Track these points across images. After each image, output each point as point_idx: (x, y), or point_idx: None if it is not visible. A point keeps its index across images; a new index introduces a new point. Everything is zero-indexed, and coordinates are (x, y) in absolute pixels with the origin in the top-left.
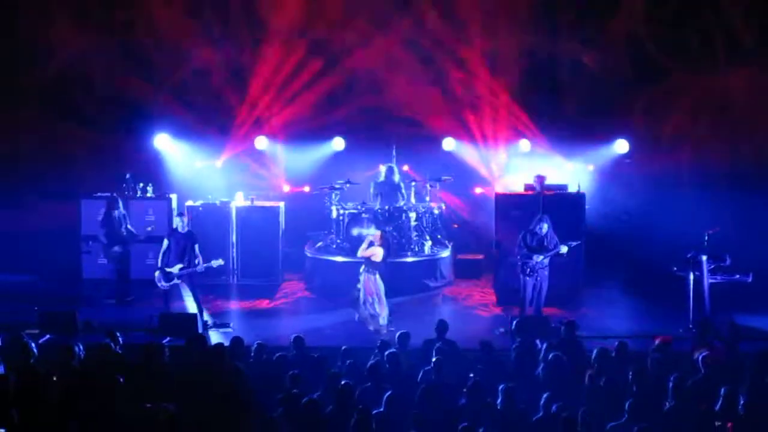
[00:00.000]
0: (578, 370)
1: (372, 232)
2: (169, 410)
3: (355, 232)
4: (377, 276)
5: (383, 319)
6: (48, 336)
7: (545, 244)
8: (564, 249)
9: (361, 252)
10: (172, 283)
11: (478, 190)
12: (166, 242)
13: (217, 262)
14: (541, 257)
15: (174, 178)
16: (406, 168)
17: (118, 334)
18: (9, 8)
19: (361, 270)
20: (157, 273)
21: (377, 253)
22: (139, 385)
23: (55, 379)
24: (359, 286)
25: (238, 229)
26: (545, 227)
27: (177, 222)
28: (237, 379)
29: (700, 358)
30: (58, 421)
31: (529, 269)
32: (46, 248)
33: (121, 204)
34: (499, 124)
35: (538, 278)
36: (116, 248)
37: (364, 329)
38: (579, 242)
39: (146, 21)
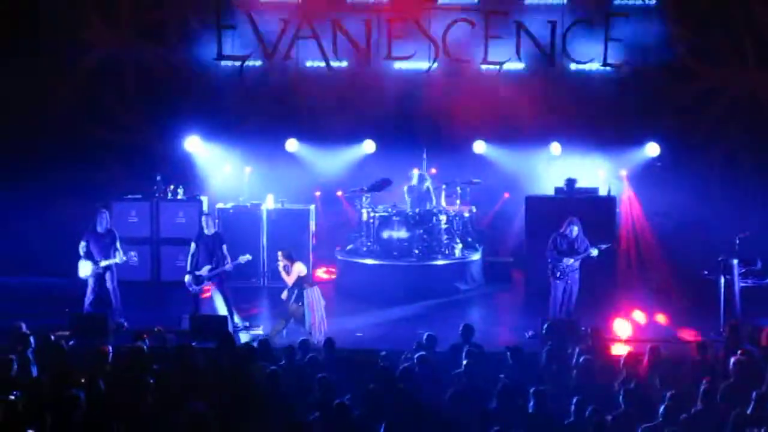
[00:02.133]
0: (608, 374)
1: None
2: (199, 410)
3: (385, 235)
4: (315, 287)
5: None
6: (74, 340)
7: (575, 247)
8: (594, 252)
9: (289, 280)
10: (202, 285)
11: (506, 195)
12: (193, 246)
13: (244, 258)
14: (572, 260)
15: (205, 180)
16: (434, 171)
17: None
18: (41, 10)
19: (294, 295)
20: (187, 277)
21: (301, 269)
22: (170, 387)
23: (83, 381)
24: (304, 307)
25: (268, 231)
26: (575, 230)
27: (203, 222)
28: (267, 381)
29: (732, 362)
30: (89, 424)
31: (559, 272)
32: (77, 250)
33: (107, 217)
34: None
35: (569, 281)
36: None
37: (396, 332)
38: (609, 245)
39: (177, 23)
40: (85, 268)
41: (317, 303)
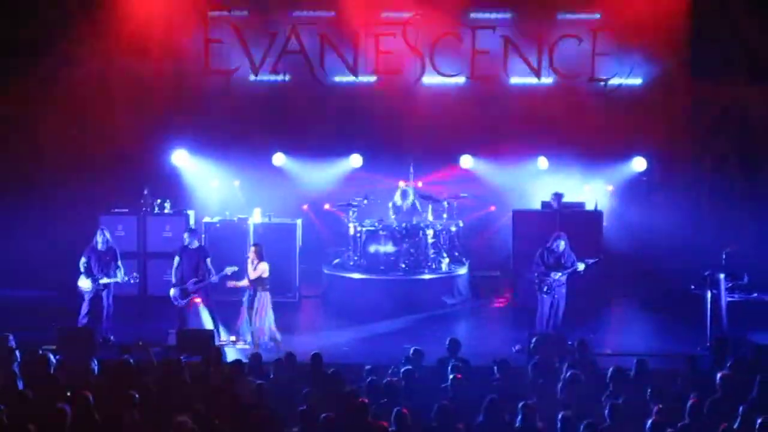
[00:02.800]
0: (595, 388)
1: (249, 255)
2: (186, 424)
3: (372, 249)
4: (267, 293)
5: (272, 332)
6: (60, 354)
7: (562, 261)
8: (581, 266)
9: (253, 274)
10: (188, 299)
11: (492, 208)
12: (177, 259)
13: (231, 269)
14: (559, 275)
15: (192, 194)
16: (420, 184)
17: None
18: (33, 22)
19: (245, 296)
20: (172, 290)
21: (264, 269)
22: (156, 402)
23: (69, 394)
24: (253, 307)
25: None
26: (562, 245)
27: (185, 239)
28: (255, 396)
29: (719, 377)
30: None
31: (546, 287)
32: (66, 264)
33: (107, 235)
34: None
35: (556, 296)
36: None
37: (382, 346)
38: (596, 260)
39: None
40: (85, 284)
41: (265, 309)
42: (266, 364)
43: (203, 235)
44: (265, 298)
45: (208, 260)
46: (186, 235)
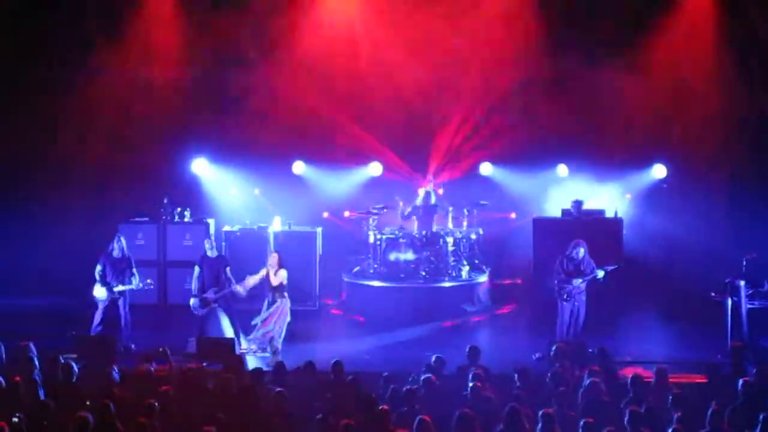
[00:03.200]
0: (615, 396)
1: (270, 261)
2: None
3: (392, 257)
4: (287, 300)
5: (278, 342)
6: (80, 363)
7: (582, 268)
8: (600, 273)
9: (275, 281)
10: (208, 308)
11: (512, 215)
12: (197, 269)
13: (253, 280)
14: (578, 282)
15: (211, 202)
16: (441, 191)
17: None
18: (50, 36)
19: (264, 303)
20: (192, 300)
21: (284, 277)
22: (177, 410)
23: (88, 403)
24: (271, 313)
25: None
26: (582, 252)
27: (206, 246)
28: (276, 404)
29: (740, 383)
30: None
31: (566, 294)
32: (84, 272)
33: (123, 242)
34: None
35: (576, 303)
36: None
37: (403, 354)
38: (615, 267)
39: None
40: (100, 292)
41: (282, 317)
42: (288, 371)
43: (223, 243)
44: (284, 306)
45: (228, 269)
46: (206, 245)
